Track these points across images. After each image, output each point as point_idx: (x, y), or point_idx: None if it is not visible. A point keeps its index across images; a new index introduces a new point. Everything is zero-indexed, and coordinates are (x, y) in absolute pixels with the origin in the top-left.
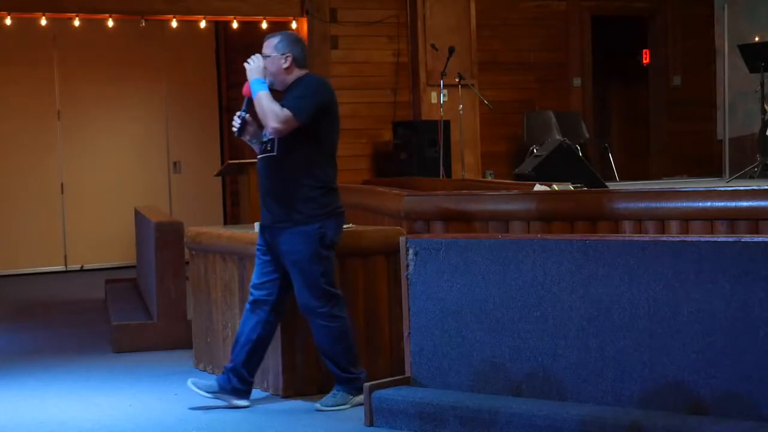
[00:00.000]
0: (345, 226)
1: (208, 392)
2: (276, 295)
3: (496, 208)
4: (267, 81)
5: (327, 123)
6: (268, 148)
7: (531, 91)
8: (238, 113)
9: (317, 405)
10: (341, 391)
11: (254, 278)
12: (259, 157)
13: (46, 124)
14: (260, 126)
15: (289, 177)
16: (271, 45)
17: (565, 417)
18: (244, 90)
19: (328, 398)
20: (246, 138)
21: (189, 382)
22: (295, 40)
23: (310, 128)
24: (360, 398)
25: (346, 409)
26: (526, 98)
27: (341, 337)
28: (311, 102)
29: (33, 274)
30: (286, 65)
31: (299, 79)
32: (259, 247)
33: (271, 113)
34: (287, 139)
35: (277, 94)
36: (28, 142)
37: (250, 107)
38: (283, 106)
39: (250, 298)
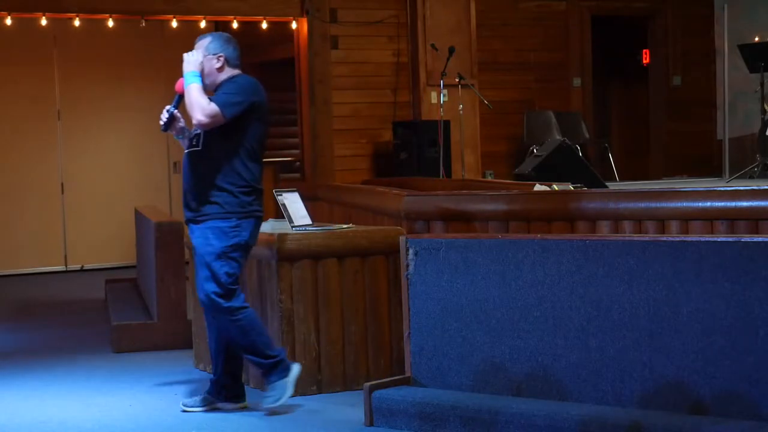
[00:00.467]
0: (345, 226)
1: (203, 407)
2: None
3: (496, 208)
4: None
5: (254, 123)
6: (194, 144)
7: (531, 91)
8: (166, 107)
9: (263, 406)
10: (274, 381)
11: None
12: (185, 152)
13: (46, 124)
14: (189, 123)
15: (211, 173)
16: (202, 46)
17: (565, 417)
18: (177, 86)
19: (268, 395)
20: (173, 133)
21: (181, 405)
22: (226, 40)
23: (237, 127)
24: (293, 374)
25: (291, 392)
26: (526, 98)
27: (251, 326)
28: (239, 100)
29: (33, 274)
30: (218, 65)
31: (230, 79)
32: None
33: (198, 106)
34: (213, 136)
35: (208, 94)
36: (28, 142)
37: (180, 103)
38: (211, 101)
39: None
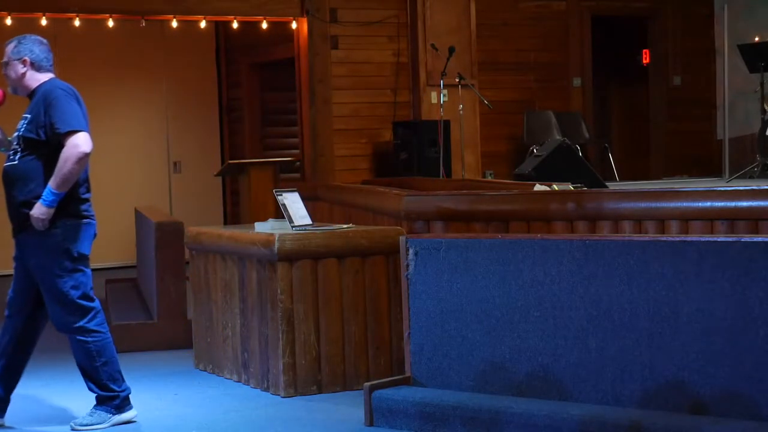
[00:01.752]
0: (345, 226)
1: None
2: (25, 308)
3: (496, 208)
4: (9, 89)
5: None
6: (11, 157)
7: (531, 91)
8: None
9: (72, 423)
10: (99, 410)
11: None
12: (5, 165)
13: None
14: (9, 133)
15: (29, 185)
16: (8, 50)
17: (565, 417)
18: None
19: (84, 416)
20: None
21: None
22: (32, 42)
23: (53, 135)
24: (124, 416)
25: (104, 428)
26: (526, 98)
27: (99, 353)
28: (71, 109)
29: None
30: (23, 70)
31: (42, 89)
32: (15, 257)
33: (76, 160)
34: (30, 147)
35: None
36: None
37: None
38: (55, 128)
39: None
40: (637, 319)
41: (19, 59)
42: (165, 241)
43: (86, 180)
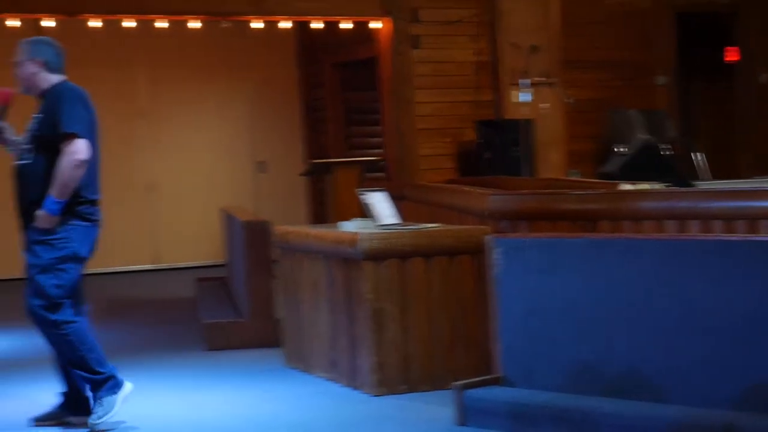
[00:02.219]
0: (431, 225)
1: (51, 420)
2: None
3: (583, 207)
4: (22, 89)
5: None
6: (24, 156)
7: (614, 89)
8: None
9: (89, 423)
10: (103, 396)
11: None
12: (16, 164)
13: (133, 125)
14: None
15: (39, 185)
16: (21, 51)
17: (656, 418)
18: None
19: (95, 410)
20: (4, 145)
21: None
22: (45, 43)
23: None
24: (122, 393)
25: (118, 408)
26: (610, 97)
27: (80, 340)
28: (77, 113)
29: (124, 272)
30: (36, 70)
31: (55, 90)
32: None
33: (73, 167)
34: (41, 147)
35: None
36: (116, 143)
37: (4, 115)
38: (60, 132)
39: None
40: (729, 320)
41: (32, 60)
42: (253, 240)
43: (93, 182)
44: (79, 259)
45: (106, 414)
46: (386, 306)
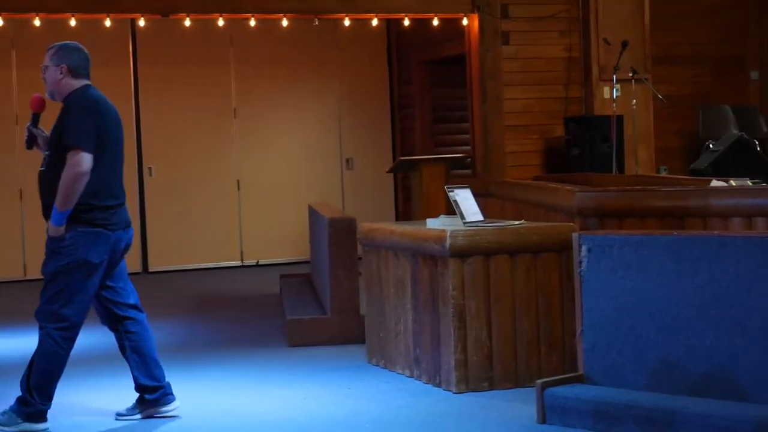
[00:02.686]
0: (516, 222)
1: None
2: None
3: (671, 204)
4: (47, 94)
5: (98, 141)
6: (44, 161)
7: (706, 84)
8: (27, 125)
9: None
10: (13, 410)
11: None
12: (39, 169)
13: (223, 123)
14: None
15: (54, 191)
16: (48, 56)
17: (743, 418)
18: (31, 104)
19: (3, 413)
20: (38, 149)
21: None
22: (71, 49)
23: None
24: (33, 426)
25: (13, 429)
26: (702, 92)
27: (47, 360)
28: (87, 126)
29: (210, 268)
30: (60, 76)
31: (70, 97)
32: None
33: (73, 180)
34: (56, 154)
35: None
36: (205, 140)
37: (38, 121)
38: (66, 143)
39: None
40: None
41: (57, 65)
42: (338, 237)
43: (107, 188)
44: (91, 265)
45: (3, 426)
46: (470, 303)
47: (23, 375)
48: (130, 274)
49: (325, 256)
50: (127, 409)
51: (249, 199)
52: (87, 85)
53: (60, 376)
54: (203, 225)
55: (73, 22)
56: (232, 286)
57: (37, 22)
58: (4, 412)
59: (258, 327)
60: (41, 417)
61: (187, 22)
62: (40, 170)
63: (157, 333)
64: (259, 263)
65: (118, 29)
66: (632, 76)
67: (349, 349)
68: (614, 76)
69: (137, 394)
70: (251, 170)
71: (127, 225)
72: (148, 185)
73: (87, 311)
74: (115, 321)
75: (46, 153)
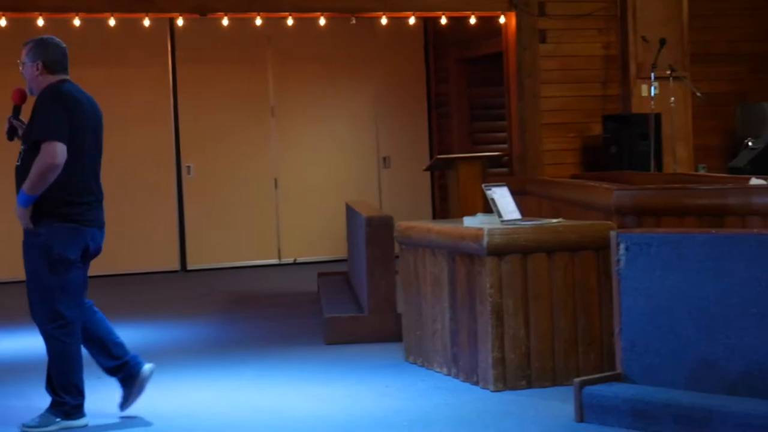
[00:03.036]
0: (554, 221)
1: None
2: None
3: (710, 202)
4: (27, 89)
5: (72, 136)
6: (19, 157)
7: (745, 82)
8: (9, 117)
9: (22, 425)
10: (48, 412)
11: None
12: (15, 165)
13: (260, 121)
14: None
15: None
16: (24, 52)
17: None
18: (13, 97)
19: (35, 417)
20: (19, 140)
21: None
22: (45, 45)
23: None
24: (71, 423)
25: (51, 431)
26: (740, 90)
27: (58, 360)
28: (57, 119)
29: (248, 267)
30: (37, 72)
31: (44, 92)
32: None
33: (43, 172)
34: (31, 149)
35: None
36: (243, 139)
37: (19, 113)
38: (36, 138)
39: None
40: None
41: (33, 62)
42: (375, 235)
43: (84, 183)
44: (69, 261)
45: (37, 427)
46: (507, 302)
47: (45, 382)
48: (168, 272)
49: (362, 255)
50: (121, 400)
51: (286, 197)
52: (63, 80)
53: (80, 369)
54: (241, 223)
55: (112, 22)
56: (269, 284)
57: (77, 22)
58: (40, 415)
59: (295, 325)
60: (78, 411)
61: (225, 22)
62: (17, 165)
63: (195, 331)
64: (297, 261)
65: (157, 29)
66: (670, 73)
67: (386, 347)
68: (652, 74)
69: (115, 379)
70: (288, 168)
71: (101, 225)
72: (186, 184)
73: (81, 304)
74: None
75: (23, 147)
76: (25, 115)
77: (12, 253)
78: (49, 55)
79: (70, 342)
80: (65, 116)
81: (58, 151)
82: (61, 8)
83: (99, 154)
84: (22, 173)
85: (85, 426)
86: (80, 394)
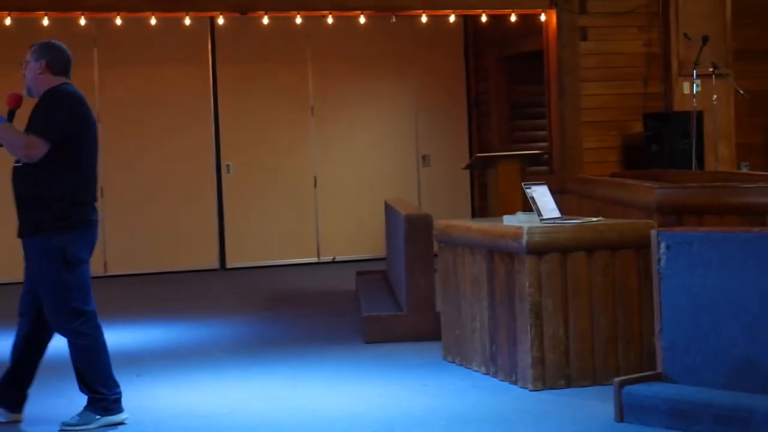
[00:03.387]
0: (594, 219)
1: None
2: (32, 309)
3: (753, 200)
4: (25, 90)
5: (76, 137)
6: (16, 161)
7: None
8: (1, 120)
9: (62, 424)
10: (87, 410)
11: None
12: (13, 166)
13: (300, 120)
14: None
15: (32, 189)
16: (30, 52)
17: None
18: (7, 99)
19: (74, 416)
20: None
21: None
22: (51, 46)
23: (58, 141)
24: (112, 419)
25: (92, 429)
26: None
27: (89, 356)
28: (57, 119)
29: (288, 265)
30: (39, 71)
31: (47, 93)
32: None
33: (16, 144)
34: None
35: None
36: (283, 137)
37: (13, 117)
38: (29, 128)
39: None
40: None
41: (37, 61)
42: (414, 233)
43: (88, 185)
44: (80, 261)
45: (77, 425)
46: (546, 301)
47: (78, 384)
48: (208, 270)
49: (401, 253)
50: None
51: (325, 195)
52: (65, 83)
53: (109, 361)
54: (280, 222)
55: (153, 21)
56: (308, 282)
57: (118, 21)
58: (80, 413)
59: (334, 323)
60: (117, 405)
61: (265, 20)
62: (15, 166)
63: (234, 329)
64: (336, 260)
65: (198, 27)
66: (713, 71)
67: (424, 345)
68: (694, 72)
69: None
70: (328, 167)
71: (98, 224)
72: (226, 182)
73: (92, 299)
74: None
75: None
76: (20, 121)
77: (13, 254)
78: (54, 56)
79: (97, 335)
80: (66, 119)
81: (39, 147)
82: (103, 7)
83: (97, 157)
84: (22, 173)
85: (125, 420)
86: (117, 386)
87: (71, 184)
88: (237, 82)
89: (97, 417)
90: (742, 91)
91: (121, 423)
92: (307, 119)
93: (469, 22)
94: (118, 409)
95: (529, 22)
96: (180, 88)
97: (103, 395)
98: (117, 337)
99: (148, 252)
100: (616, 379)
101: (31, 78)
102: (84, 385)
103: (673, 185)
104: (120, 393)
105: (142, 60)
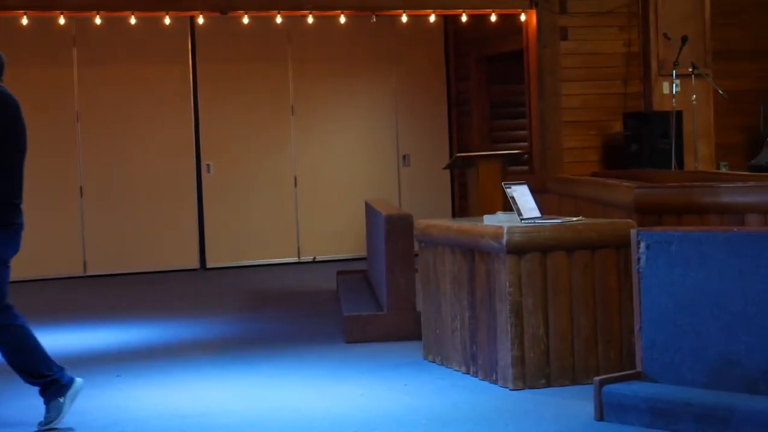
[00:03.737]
0: (574, 219)
1: None
2: None
3: (731, 200)
4: None
5: (13, 137)
6: None
7: (767, 80)
8: None
9: (38, 425)
10: (50, 401)
11: None
12: None
13: (280, 119)
14: None
15: None
16: None
17: None
18: None
19: (44, 415)
20: None
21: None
22: None
23: None
24: (71, 392)
25: (65, 412)
26: (763, 87)
27: (21, 345)
28: None
29: (267, 265)
30: None
31: None
32: None
33: None
34: None
35: None
36: (263, 137)
37: None
38: None
39: None
40: None
41: None
42: (394, 233)
43: (20, 185)
44: (5, 263)
45: (55, 419)
46: (527, 300)
47: (24, 379)
48: (188, 270)
49: (381, 253)
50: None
51: (306, 195)
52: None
53: (40, 343)
54: (260, 221)
55: (133, 20)
56: (288, 282)
57: (98, 20)
58: (47, 409)
59: (314, 323)
60: (65, 382)
61: (246, 20)
62: None
63: (213, 329)
64: (316, 260)
65: (178, 27)
66: (692, 71)
67: (405, 345)
68: (674, 72)
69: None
70: (308, 167)
71: (22, 228)
72: (206, 182)
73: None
74: None
75: None
76: None
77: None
78: None
79: (18, 322)
80: (3, 121)
81: None
82: (83, 6)
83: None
84: None
85: (81, 383)
86: (56, 365)
87: (12, 185)
88: (217, 82)
89: (61, 399)
90: (721, 91)
91: (81, 387)
92: (288, 119)
93: (449, 22)
94: (71, 381)
95: (509, 21)
96: (160, 87)
97: (50, 375)
98: (97, 338)
99: (127, 252)
100: (596, 378)
101: None
102: (29, 375)
103: (652, 185)
104: (61, 369)
105: (122, 59)
